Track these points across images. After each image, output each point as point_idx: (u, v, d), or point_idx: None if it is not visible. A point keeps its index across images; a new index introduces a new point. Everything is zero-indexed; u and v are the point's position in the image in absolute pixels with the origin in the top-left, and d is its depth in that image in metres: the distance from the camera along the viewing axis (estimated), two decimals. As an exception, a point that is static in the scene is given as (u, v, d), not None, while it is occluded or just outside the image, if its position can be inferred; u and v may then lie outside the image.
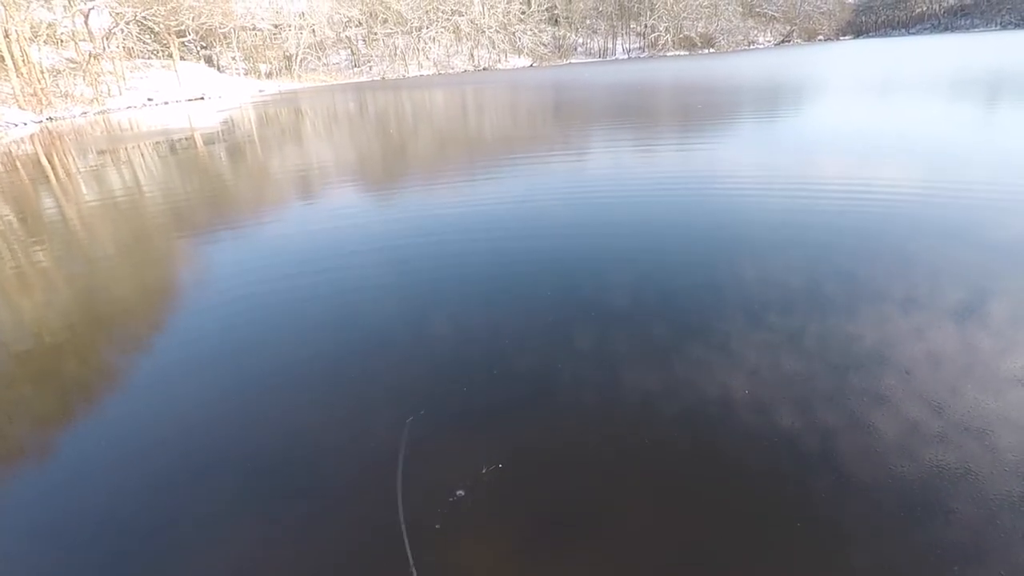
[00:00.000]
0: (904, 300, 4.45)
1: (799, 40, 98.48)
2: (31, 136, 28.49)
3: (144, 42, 52.11)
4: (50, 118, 38.04)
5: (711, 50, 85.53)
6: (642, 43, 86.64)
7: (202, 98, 49.92)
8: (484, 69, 78.03)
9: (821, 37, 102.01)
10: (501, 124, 19.98)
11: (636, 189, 8.63)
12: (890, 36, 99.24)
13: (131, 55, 50.98)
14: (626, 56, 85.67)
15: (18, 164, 18.47)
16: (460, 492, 2.79)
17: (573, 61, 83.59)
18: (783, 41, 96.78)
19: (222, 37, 61.77)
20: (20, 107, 37.58)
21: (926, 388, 3.35)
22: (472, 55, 79.77)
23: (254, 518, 2.82)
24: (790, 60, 46.41)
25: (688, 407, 3.37)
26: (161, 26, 50.02)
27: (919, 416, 3.11)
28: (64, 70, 44.29)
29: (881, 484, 2.68)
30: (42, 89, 39.53)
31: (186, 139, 21.37)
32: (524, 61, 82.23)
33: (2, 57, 37.49)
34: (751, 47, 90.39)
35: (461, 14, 77.20)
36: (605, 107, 21.58)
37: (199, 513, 2.89)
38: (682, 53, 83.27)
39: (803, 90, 22.47)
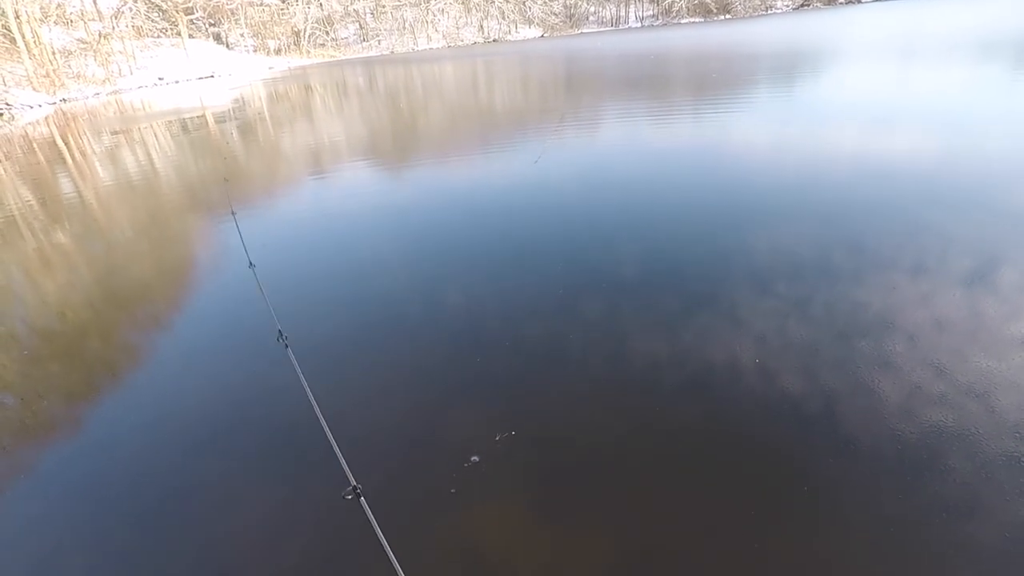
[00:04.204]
0: (913, 268, 4.40)
1: (819, 4, 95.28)
2: (46, 118, 28.74)
3: (152, 20, 51.92)
4: (64, 99, 38.29)
5: (727, 16, 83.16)
6: (655, 10, 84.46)
7: (212, 76, 49.82)
8: (494, 41, 76.75)
9: (843, 0, 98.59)
10: (512, 97, 19.74)
11: (648, 161, 8.53)
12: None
13: (140, 34, 50.89)
14: (639, 24, 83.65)
15: (35, 146, 18.69)
16: (475, 458, 2.87)
17: (585, 31, 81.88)
18: (802, 5, 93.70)
19: (230, 13, 61.32)
20: (34, 89, 37.83)
21: (931, 353, 3.34)
22: (482, 27, 78.45)
23: (274, 481, 2.92)
24: (809, 25, 45.05)
25: (697, 375, 3.40)
26: (169, 3, 49.73)
27: (923, 380, 3.11)
28: (75, 51, 44.40)
29: (887, 446, 2.71)
30: (54, 70, 39.71)
31: (198, 118, 21.42)
32: (535, 32, 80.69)
33: (13, 39, 37.63)
34: (769, 12, 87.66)
35: (470, -16, 75.75)
36: (617, 78, 21.21)
37: (221, 475, 3.01)
38: (697, 20, 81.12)
39: (820, 57, 21.86)
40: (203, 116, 21.99)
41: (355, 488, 1.79)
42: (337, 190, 9.08)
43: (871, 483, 2.54)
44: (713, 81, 17.00)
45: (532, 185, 7.73)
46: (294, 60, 63.19)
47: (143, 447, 3.36)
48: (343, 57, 68.39)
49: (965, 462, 2.58)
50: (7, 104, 34.47)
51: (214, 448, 3.27)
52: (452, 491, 2.70)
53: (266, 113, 21.66)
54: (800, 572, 2.22)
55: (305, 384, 1.76)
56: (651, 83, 18.57)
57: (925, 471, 2.56)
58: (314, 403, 1.78)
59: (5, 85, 36.37)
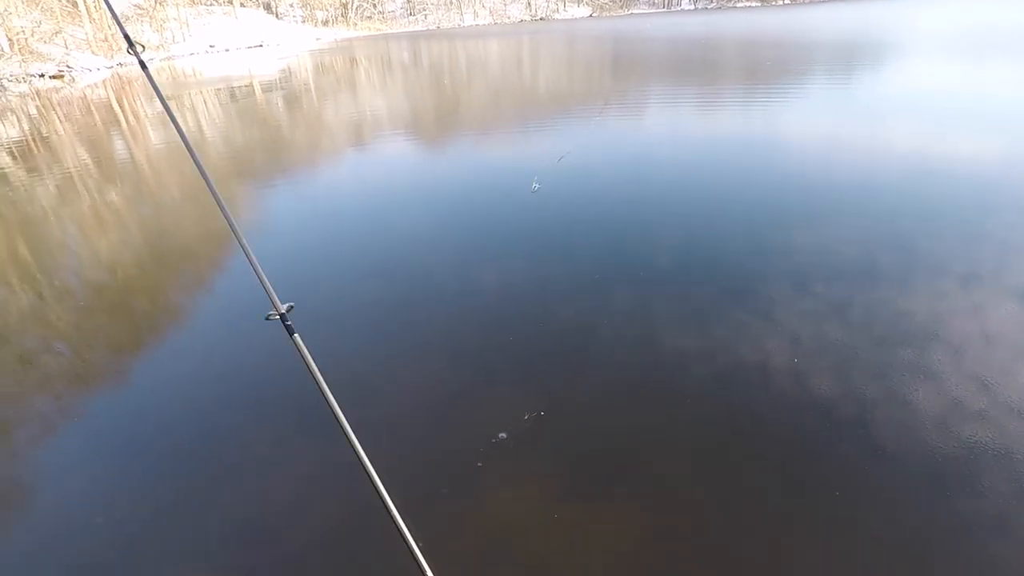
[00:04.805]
0: (966, 276, 4.21)
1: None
2: (103, 81, 29.72)
3: (206, -12, 52.85)
4: (120, 63, 39.46)
5: (786, 1, 79.81)
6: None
7: (261, 46, 50.56)
8: (541, 19, 75.63)
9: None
10: (557, 78, 19.48)
11: (693, 150, 8.34)
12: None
13: (193, 1, 51.88)
14: (692, 7, 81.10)
15: (92, 108, 19.37)
16: (502, 435, 2.89)
17: (635, 11, 79.88)
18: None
19: (281, -17, 61.91)
20: (93, 53, 39.08)
21: (976, 367, 3.20)
22: (529, 4, 77.32)
23: (308, 450, 3.01)
24: (874, 13, 42.96)
25: (729, 370, 3.34)
26: (222, -28, 50.52)
27: (966, 394, 2.99)
28: (132, 16, 45.60)
29: (921, 458, 2.62)
30: (112, 35, 40.88)
31: (246, 87, 21.82)
32: (583, 11, 79.12)
33: (76, 3, 38.82)
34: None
35: (519, -40, 74.59)
36: (666, 63, 20.69)
37: (260, 440, 3.11)
38: (754, 4, 78.12)
39: (885, 47, 20.86)
40: (251, 85, 22.38)
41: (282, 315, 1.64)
42: (377, 164, 9.16)
43: (901, 493, 2.47)
44: (766, 70, 16.42)
45: (572, 170, 7.64)
46: (341, 32, 63.60)
47: (183, 402, 3.50)
48: (389, 31, 68.53)
49: (1003, 482, 2.48)
50: (68, 66, 35.75)
51: (255, 417, 3.37)
52: (479, 464, 2.74)
53: (311, 85, 21.91)
54: (818, 573, 2.19)
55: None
56: (701, 69, 18.06)
57: (959, 487, 2.46)
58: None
59: (67, 48, 37.68)
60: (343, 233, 6.10)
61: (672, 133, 9.48)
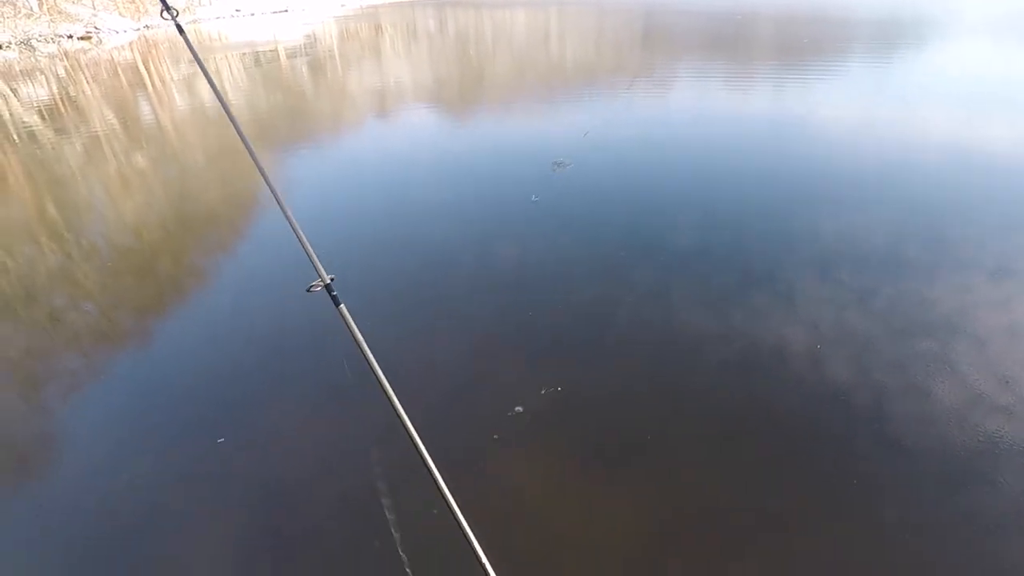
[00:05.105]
0: (995, 270, 4.07)
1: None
2: (130, 44, 29.77)
3: (233, -49, 52.35)
4: (147, 26, 39.48)
5: (824, -25, 76.78)
6: (745, -35, 78.90)
7: (286, 11, 50.16)
8: (569, -10, 73.77)
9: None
10: (585, 51, 19.06)
11: (722, 130, 8.13)
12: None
13: (220, -36, 51.44)
14: (726, -20, 78.46)
15: (119, 71, 19.45)
16: (519, 408, 2.90)
17: (666, -16, 77.52)
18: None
19: (307, -53, 61.06)
20: (120, 14, 39.10)
21: (1000, 362, 3.12)
22: (558, -26, 75.44)
23: (331, 419, 3.04)
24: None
25: (745, 355, 3.30)
26: (249, -66, 49.89)
27: (988, 389, 2.91)
28: (159, -22, 45.42)
29: (934, 449, 2.58)
30: (139, -3, 40.77)
31: (271, 52, 21.72)
32: (613, -18, 77.06)
33: (103, -37, 38.69)
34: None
35: (550, -73, 72.63)
36: (698, 37, 20.10)
37: (283, 408, 3.15)
38: (790, -22, 75.30)
39: (929, 26, 20.01)
40: (276, 50, 22.26)
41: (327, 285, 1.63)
42: (398, 134, 9.09)
43: (914, 487, 2.43)
44: (802, 48, 15.88)
45: (597, 146, 7.51)
46: (366, -2, 62.75)
47: (208, 368, 3.55)
48: (415, -2, 67.45)
49: (1020, 479, 2.43)
50: (96, 28, 35.87)
51: (273, 375, 3.42)
52: (495, 436, 2.75)
53: (336, 51, 21.73)
54: (824, 563, 2.18)
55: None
56: (734, 46, 17.53)
57: (975, 483, 2.42)
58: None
59: (95, 9, 37.75)
60: (366, 203, 6.09)
61: (701, 111, 9.25)
